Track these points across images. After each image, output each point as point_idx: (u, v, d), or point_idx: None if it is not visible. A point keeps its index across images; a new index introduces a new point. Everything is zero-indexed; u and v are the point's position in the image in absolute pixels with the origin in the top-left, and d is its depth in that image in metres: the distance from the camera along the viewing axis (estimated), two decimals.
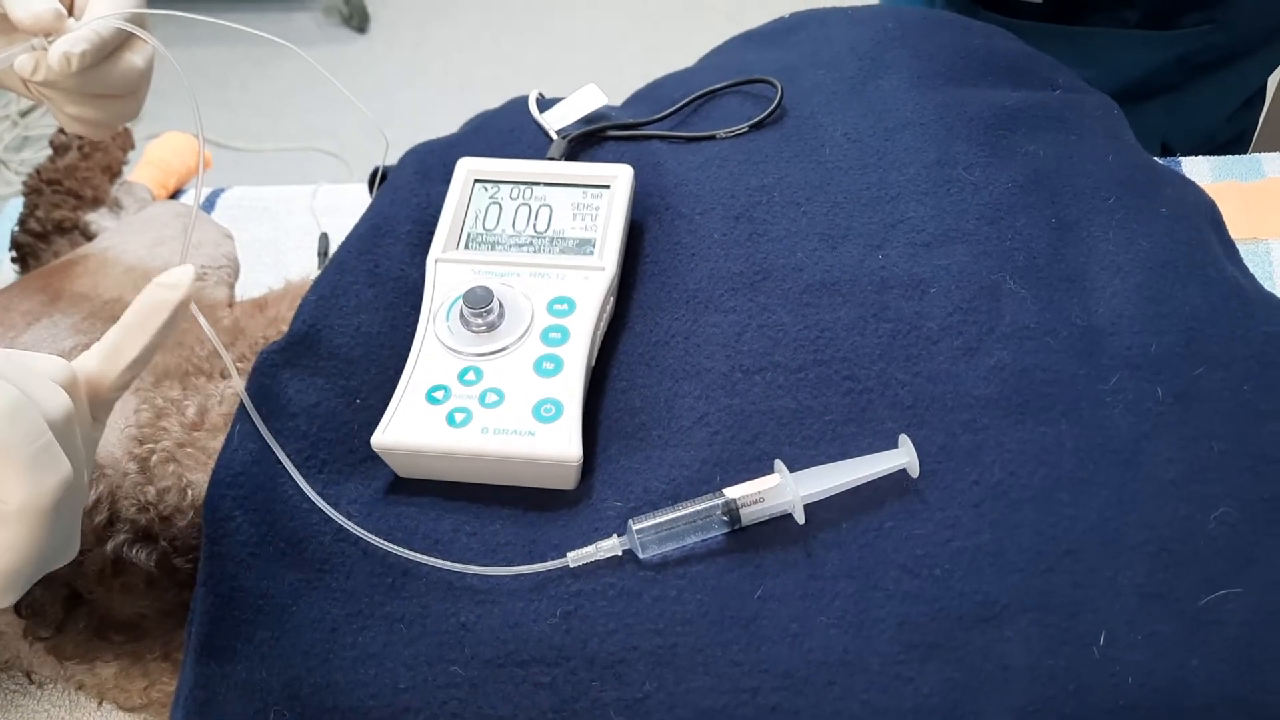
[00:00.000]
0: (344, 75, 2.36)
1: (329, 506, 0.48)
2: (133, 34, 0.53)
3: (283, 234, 0.86)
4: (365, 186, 0.85)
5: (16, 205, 0.83)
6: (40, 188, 0.79)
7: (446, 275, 0.55)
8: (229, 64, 2.37)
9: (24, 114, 2.27)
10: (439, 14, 2.52)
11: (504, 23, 2.49)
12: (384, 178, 0.80)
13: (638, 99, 0.73)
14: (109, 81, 0.54)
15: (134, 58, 0.54)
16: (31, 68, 0.52)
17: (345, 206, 0.87)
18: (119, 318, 0.62)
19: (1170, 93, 0.92)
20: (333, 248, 0.85)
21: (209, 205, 0.89)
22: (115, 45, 0.53)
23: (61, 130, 0.82)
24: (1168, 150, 0.94)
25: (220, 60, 2.37)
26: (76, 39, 0.51)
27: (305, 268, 0.84)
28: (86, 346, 0.60)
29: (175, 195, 0.90)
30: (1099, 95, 0.69)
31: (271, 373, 0.52)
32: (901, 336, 0.52)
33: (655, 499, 0.48)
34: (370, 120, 0.63)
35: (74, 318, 0.62)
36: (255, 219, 0.87)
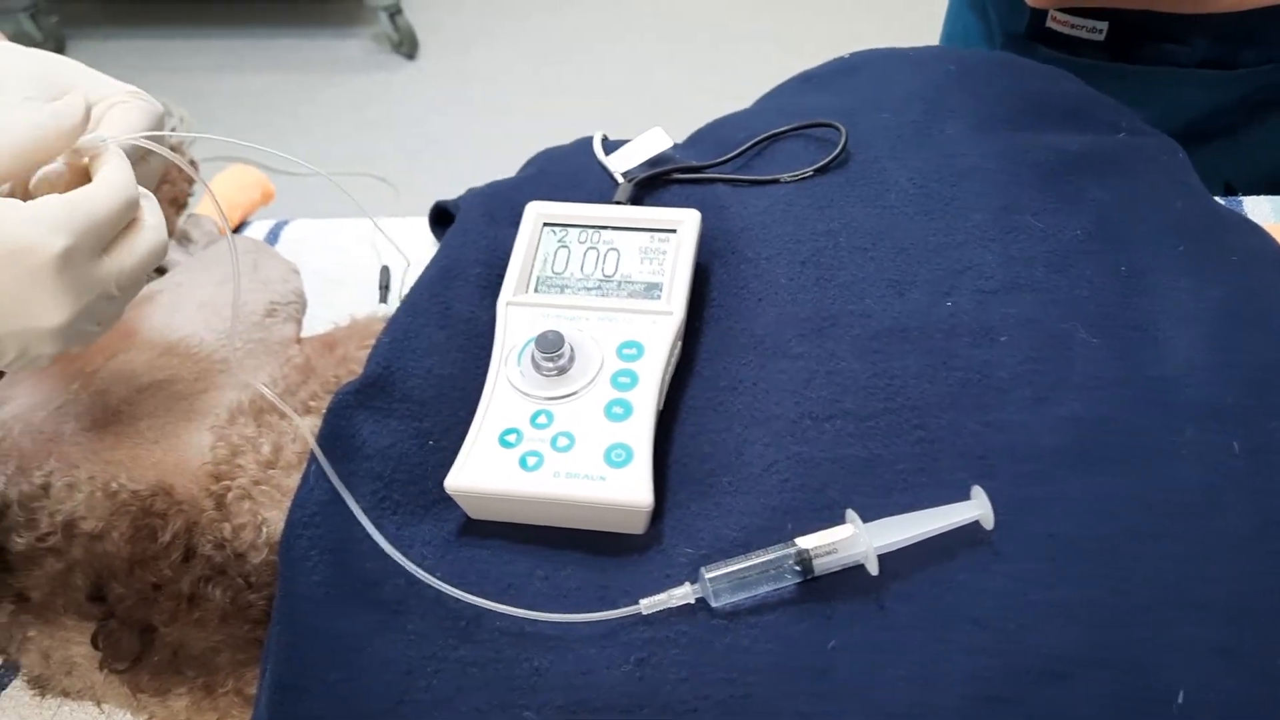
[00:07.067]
0: (392, 101, 2.41)
1: (400, 555, 0.48)
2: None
3: (344, 267, 0.87)
4: (418, 218, 0.87)
5: None
6: None
7: (517, 318, 0.56)
8: (278, 89, 2.42)
9: None
10: (487, 42, 2.55)
11: (550, 50, 2.52)
12: (442, 213, 0.81)
13: (697, 140, 0.73)
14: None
15: (149, 166, 0.52)
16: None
17: (404, 239, 0.88)
18: (192, 354, 0.64)
19: (1231, 133, 0.92)
20: (393, 281, 0.86)
21: (273, 238, 0.90)
22: (134, 158, 0.50)
23: None
24: (1230, 190, 0.94)
25: (269, 86, 2.41)
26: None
27: (366, 300, 0.85)
28: (161, 383, 0.62)
29: (239, 228, 0.92)
30: (1162, 138, 0.69)
31: (346, 414, 0.53)
32: (972, 385, 0.52)
33: (726, 547, 0.48)
34: (376, 176, 0.64)
35: (148, 354, 0.63)
36: (316, 252, 0.88)
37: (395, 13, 2.45)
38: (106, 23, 2.69)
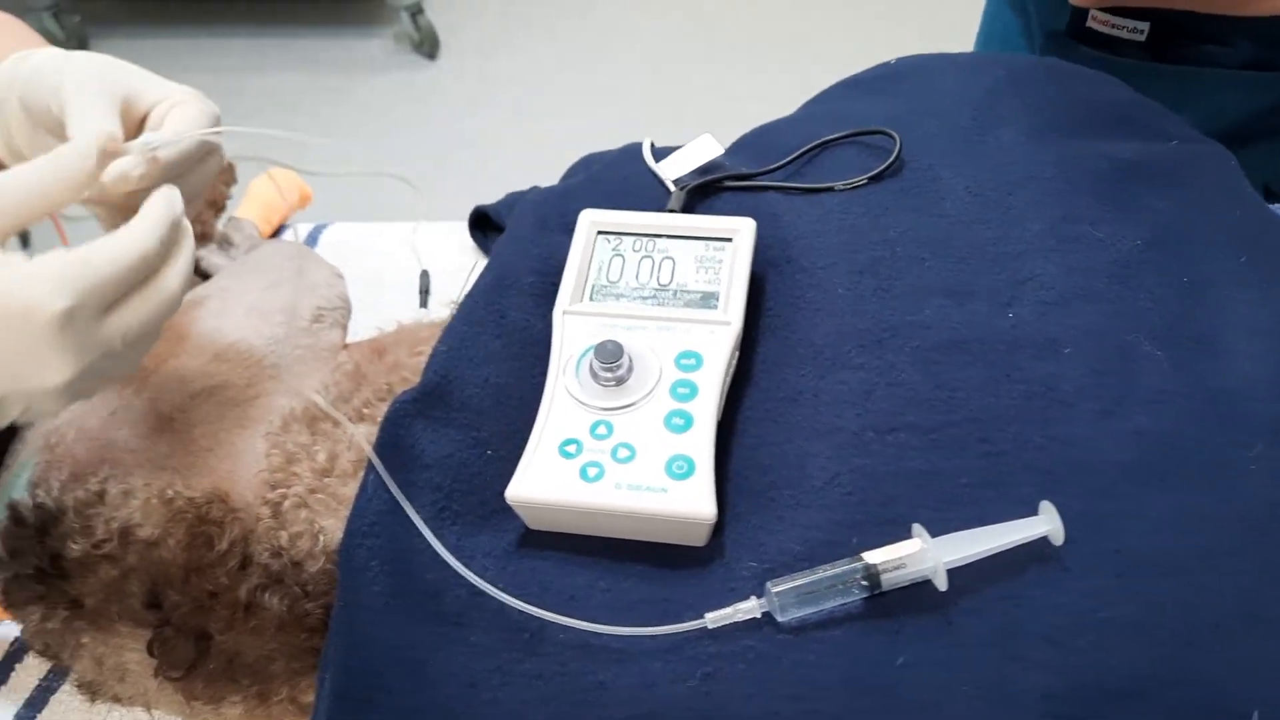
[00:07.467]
0: (413, 101, 2.41)
1: (464, 567, 0.48)
2: (208, 144, 0.51)
3: (384, 271, 0.87)
4: (438, 221, 0.87)
5: None
6: None
7: (574, 328, 0.55)
8: (298, 88, 2.42)
9: None
10: (508, 42, 2.55)
11: (572, 52, 2.52)
12: (482, 217, 0.81)
13: (744, 147, 0.73)
14: (187, 190, 0.51)
15: (206, 166, 0.53)
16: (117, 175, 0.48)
17: (440, 243, 0.88)
18: (242, 360, 0.64)
19: (1273, 136, 0.91)
20: (433, 285, 0.86)
21: (312, 241, 0.90)
22: (199, 156, 0.51)
23: None
24: (1270, 194, 0.93)
25: (289, 85, 2.41)
26: (169, 147, 0.48)
27: (406, 304, 0.85)
28: (213, 389, 0.62)
29: (278, 232, 0.92)
30: (1213, 145, 0.68)
31: (405, 423, 0.53)
32: (1036, 398, 0.51)
33: (790, 560, 0.48)
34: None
35: (199, 360, 0.63)
36: (357, 256, 0.88)
37: (417, 12, 2.45)
38: (128, 22, 2.70)
